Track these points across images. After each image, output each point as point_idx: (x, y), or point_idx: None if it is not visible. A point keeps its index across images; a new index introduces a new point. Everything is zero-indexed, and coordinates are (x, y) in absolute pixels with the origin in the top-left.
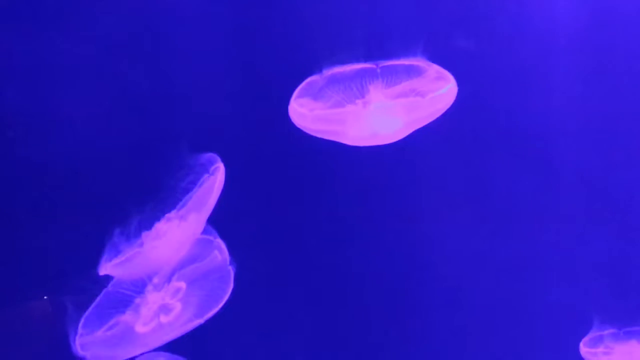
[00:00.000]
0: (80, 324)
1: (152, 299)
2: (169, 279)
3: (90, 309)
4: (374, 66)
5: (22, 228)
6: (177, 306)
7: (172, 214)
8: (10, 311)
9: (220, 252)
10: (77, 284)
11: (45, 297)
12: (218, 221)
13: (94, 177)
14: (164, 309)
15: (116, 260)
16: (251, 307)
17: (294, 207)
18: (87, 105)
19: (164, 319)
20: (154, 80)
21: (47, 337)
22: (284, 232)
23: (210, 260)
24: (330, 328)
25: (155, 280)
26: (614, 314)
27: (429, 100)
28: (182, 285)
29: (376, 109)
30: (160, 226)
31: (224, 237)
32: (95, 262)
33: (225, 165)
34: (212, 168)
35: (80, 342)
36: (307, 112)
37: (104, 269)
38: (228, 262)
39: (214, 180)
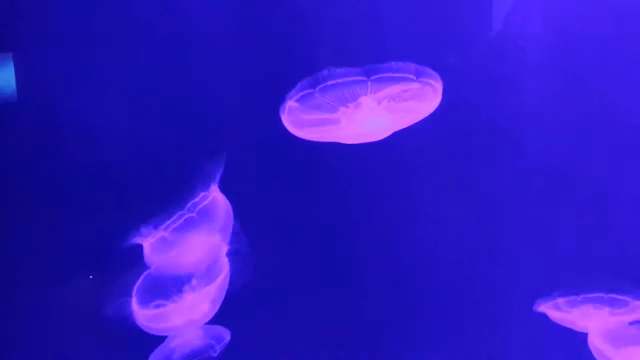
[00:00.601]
0: (131, 297)
1: (189, 298)
2: (200, 282)
3: (137, 288)
4: (365, 77)
5: (73, 215)
6: (206, 307)
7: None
8: (59, 289)
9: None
10: (121, 265)
11: (90, 276)
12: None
13: (128, 173)
14: (195, 308)
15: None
16: (251, 302)
17: (292, 205)
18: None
19: (194, 315)
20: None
21: (93, 312)
22: (283, 228)
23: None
24: (330, 322)
25: (194, 282)
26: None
27: (414, 104)
28: (213, 288)
29: (366, 111)
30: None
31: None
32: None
33: (227, 167)
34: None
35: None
36: (302, 117)
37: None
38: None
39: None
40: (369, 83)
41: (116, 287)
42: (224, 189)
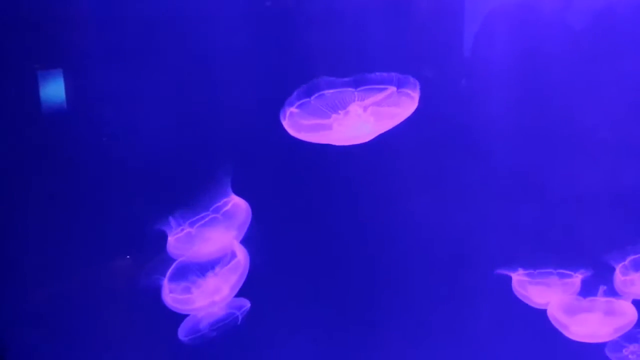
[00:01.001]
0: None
1: (211, 282)
2: (221, 268)
3: (170, 271)
4: (353, 88)
5: (111, 202)
6: (226, 290)
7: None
8: (97, 268)
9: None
10: (155, 247)
11: (128, 257)
12: None
13: (157, 171)
14: (217, 291)
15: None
16: (263, 284)
17: (294, 198)
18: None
19: (216, 297)
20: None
21: (129, 292)
22: (287, 219)
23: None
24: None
25: (217, 269)
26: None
27: (394, 110)
28: (232, 274)
29: (354, 117)
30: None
31: None
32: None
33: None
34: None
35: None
36: (300, 122)
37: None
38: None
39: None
40: (357, 93)
41: (149, 269)
42: (236, 185)
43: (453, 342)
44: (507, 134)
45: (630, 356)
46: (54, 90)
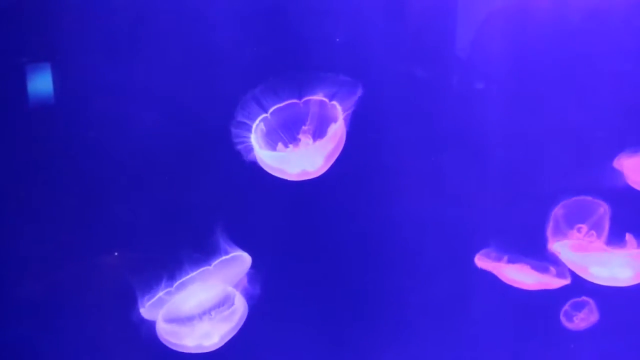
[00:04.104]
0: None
1: (204, 326)
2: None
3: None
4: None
5: (101, 197)
6: (216, 337)
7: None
8: (83, 264)
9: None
10: (145, 243)
11: (115, 253)
12: None
13: (152, 163)
14: (208, 335)
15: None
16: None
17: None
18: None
19: (205, 341)
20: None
21: (115, 289)
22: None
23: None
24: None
25: (213, 313)
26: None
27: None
28: (226, 324)
29: (304, 151)
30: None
31: None
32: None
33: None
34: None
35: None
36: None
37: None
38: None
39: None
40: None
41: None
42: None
43: (450, 341)
44: (500, 133)
45: (581, 323)
46: (41, 84)
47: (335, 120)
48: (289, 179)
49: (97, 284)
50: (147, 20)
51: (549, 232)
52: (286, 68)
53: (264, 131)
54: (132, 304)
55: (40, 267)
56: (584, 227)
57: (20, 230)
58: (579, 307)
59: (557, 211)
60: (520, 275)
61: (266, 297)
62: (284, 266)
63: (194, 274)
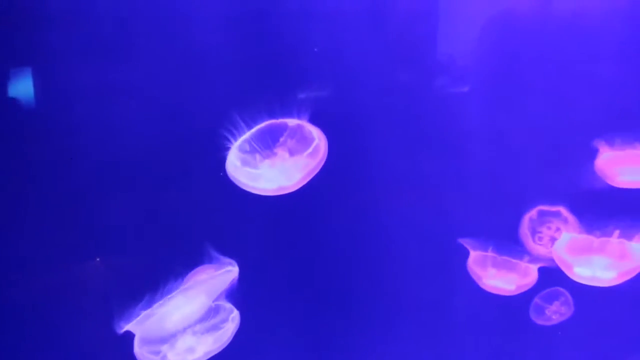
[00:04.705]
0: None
1: (186, 341)
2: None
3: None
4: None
5: (84, 202)
6: (200, 351)
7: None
8: (65, 269)
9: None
10: (128, 248)
11: (97, 259)
12: None
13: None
14: (191, 349)
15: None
16: None
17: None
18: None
19: (189, 356)
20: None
21: (97, 294)
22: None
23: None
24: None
25: (197, 327)
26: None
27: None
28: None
29: (279, 167)
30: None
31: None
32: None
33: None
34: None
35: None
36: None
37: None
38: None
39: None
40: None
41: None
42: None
43: (433, 342)
44: (481, 136)
45: (553, 316)
46: (23, 88)
47: (312, 136)
48: (265, 194)
49: (77, 293)
50: (128, 25)
51: (522, 233)
52: (267, 75)
53: (242, 147)
54: (112, 317)
55: (19, 274)
56: (552, 228)
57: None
58: (551, 299)
59: (529, 214)
60: (502, 283)
61: (251, 305)
62: (267, 272)
63: (177, 287)
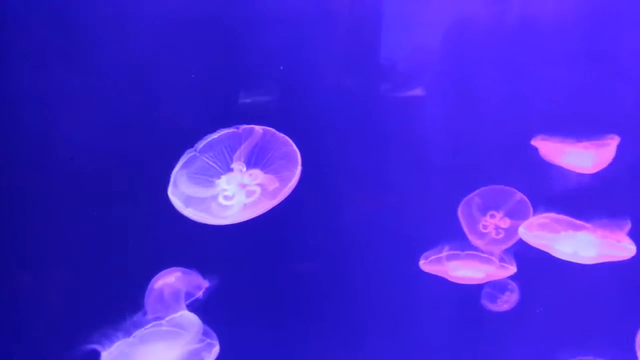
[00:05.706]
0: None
1: None
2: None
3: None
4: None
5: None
6: None
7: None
8: (33, 277)
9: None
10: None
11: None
12: None
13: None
14: None
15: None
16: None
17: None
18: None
19: None
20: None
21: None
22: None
23: None
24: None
25: None
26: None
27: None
28: None
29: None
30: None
31: None
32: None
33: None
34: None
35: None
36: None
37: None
38: None
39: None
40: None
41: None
42: None
43: (398, 343)
44: (438, 138)
45: (504, 305)
46: None
47: (277, 148)
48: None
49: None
50: (76, 30)
51: (464, 218)
52: (222, 82)
53: (193, 165)
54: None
55: None
56: (498, 214)
57: None
58: (501, 288)
59: (473, 199)
60: (468, 272)
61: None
62: (233, 284)
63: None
